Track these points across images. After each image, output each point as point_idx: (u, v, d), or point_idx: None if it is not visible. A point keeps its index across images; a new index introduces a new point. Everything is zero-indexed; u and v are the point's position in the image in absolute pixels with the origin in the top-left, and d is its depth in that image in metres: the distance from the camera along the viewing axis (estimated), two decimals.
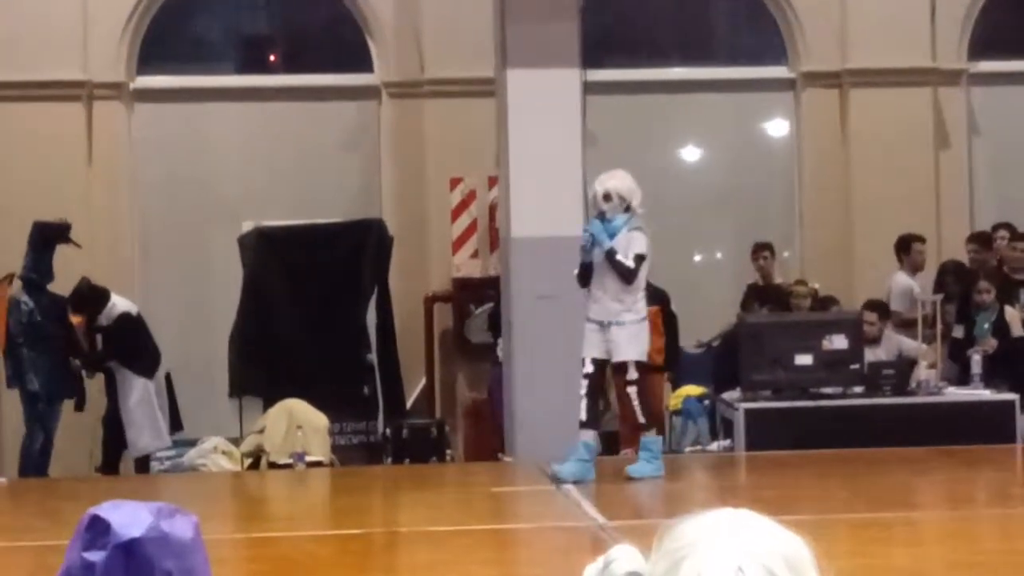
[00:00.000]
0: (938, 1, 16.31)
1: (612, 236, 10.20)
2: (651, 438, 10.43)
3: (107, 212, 15.49)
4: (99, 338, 13.71)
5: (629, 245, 10.18)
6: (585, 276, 10.31)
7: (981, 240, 14.85)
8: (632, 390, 10.25)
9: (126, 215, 15.83)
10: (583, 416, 10.23)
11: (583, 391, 10.28)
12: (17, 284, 13.46)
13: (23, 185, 15.38)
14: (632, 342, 10.27)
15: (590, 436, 10.29)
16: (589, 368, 10.28)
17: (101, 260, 14.53)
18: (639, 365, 10.35)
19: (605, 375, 10.54)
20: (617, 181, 10.36)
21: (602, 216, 10.25)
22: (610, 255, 10.09)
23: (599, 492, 9.44)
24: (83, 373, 13.73)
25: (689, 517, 2.17)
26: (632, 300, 10.29)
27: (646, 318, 10.49)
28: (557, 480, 9.99)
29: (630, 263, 10.13)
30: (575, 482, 9.92)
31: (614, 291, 10.23)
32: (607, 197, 10.26)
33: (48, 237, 13.50)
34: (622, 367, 10.28)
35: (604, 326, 10.23)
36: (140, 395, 13.67)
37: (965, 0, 16.50)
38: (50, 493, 11.09)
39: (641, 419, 10.35)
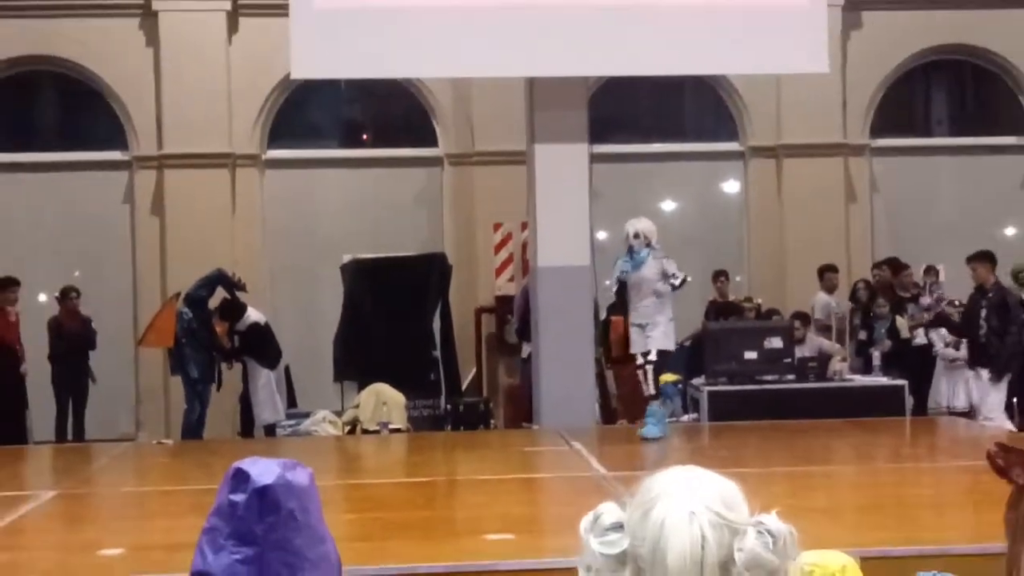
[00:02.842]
0: (848, 93, 16.32)
1: (640, 265, 10.04)
2: (657, 407, 10.20)
3: (246, 250, 15.58)
4: (236, 339, 13.81)
5: (666, 267, 10.04)
6: (621, 292, 10.18)
7: (883, 266, 14.89)
8: (650, 368, 10.08)
9: (259, 251, 15.93)
10: (652, 391, 10.09)
11: (644, 377, 10.12)
12: (179, 299, 13.57)
13: (186, 232, 15.50)
14: (664, 337, 10.11)
15: (656, 404, 10.13)
16: (640, 360, 10.14)
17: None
18: (662, 352, 10.17)
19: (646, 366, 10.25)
20: (643, 224, 10.18)
21: (630, 249, 10.08)
22: (667, 277, 9.99)
23: (601, 450, 9.41)
24: (222, 364, 13.81)
25: (652, 475, 2.18)
26: (663, 306, 10.13)
27: (673, 317, 10.29)
28: (645, 440, 9.85)
29: (677, 281, 10.03)
30: (657, 439, 9.81)
31: (649, 302, 10.08)
32: (637, 236, 10.08)
33: (223, 283, 13.57)
34: (648, 353, 10.11)
35: (643, 327, 10.11)
36: (264, 382, 13.73)
37: (868, 92, 16.53)
38: (203, 451, 11.15)
39: (652, 391, 10.15)
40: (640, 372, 10.17)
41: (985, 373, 11.63)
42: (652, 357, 10.10)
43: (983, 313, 11.88)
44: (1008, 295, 11.97)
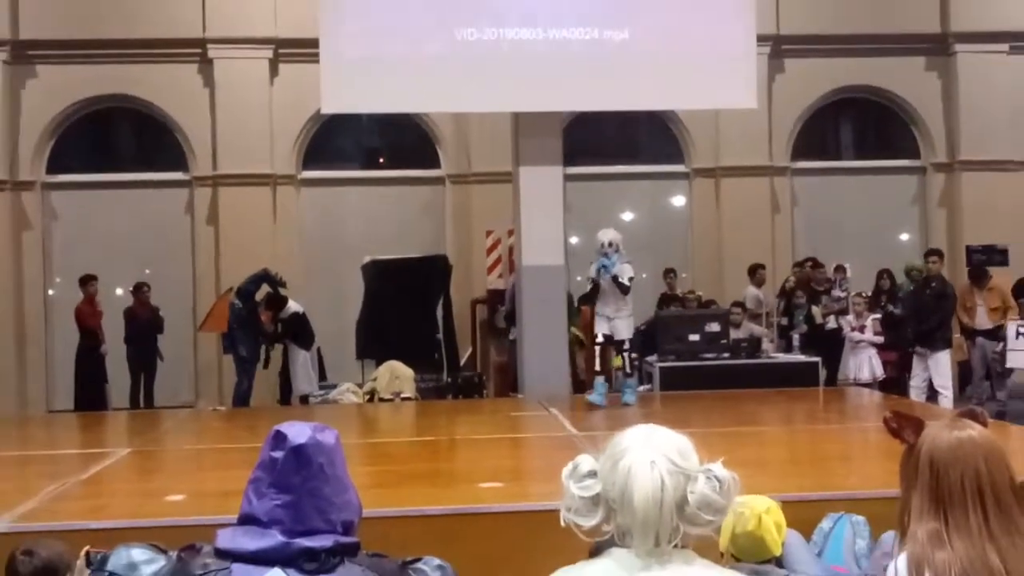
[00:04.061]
0: (773, 124, 16.36)
1: (611, 268, 9.90)
2: (632, 381, 10.17)
3: (285, 253, 15.55)
4: (279, 326, 13.78)
5: (623, 271, 9.89)
6: (595, 290, 10.08)
7: (801, 265, 14.93)
8: (625, 353, 10.00)
9: (297, 254, 15.89)
10: (598, 368, 10.02)
11: (597, 353, 10.04)
12: (231, 293, 13.56)
13: (236, 238, 15.46)
14: (627, 327, 10.01)
15: (602, 379, 10.03)
16: (600, 339, 10.01)
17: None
18: (622, 341, 10.07)
19: (609, 345, 10.14)
20: (613, 235, 9.98)
21: (605, 255, 9.91)
22: (616, 280, 9.82)
23: (573, 415, 9.40)
24: (267, 346, 13.78)
25: (620, 432, 2.17)
26: (626, 302, 9.98)
27: (632, 313, 10.17)
28: (591, 405, 9.78)
29: (626, 283, 9.87)
30: (600, 405, 9.74)
31: (615, 298, 9.94)
32: (611, 244, 9.89)
33: (267, 280, 13.54)
34: (622, 342, 10.00)
35: (610, 318, 9.98)
36: (301, 360, 13.73)
37: (789, 124, 16.60)
38: (250, 416, 11.12)
39: (628, 370, 10.07)
40: (597, 348, 10.12)
41: (929, 350, 11.64)
42: (626, 346, 10.01)
43: (927, 300, 11.94)
44: (947, 286, 12.10)
